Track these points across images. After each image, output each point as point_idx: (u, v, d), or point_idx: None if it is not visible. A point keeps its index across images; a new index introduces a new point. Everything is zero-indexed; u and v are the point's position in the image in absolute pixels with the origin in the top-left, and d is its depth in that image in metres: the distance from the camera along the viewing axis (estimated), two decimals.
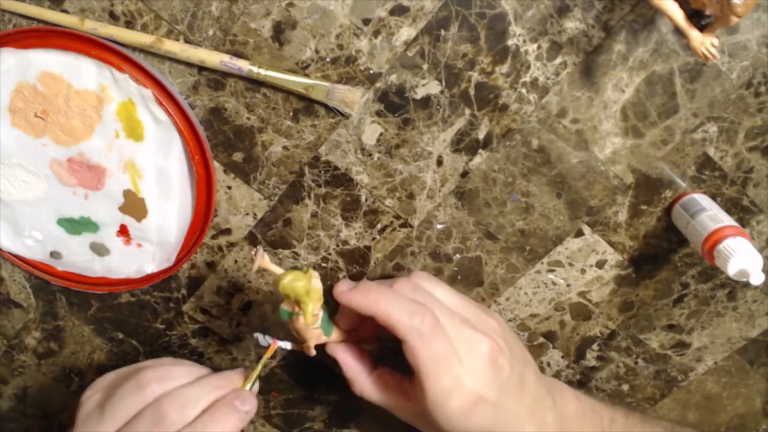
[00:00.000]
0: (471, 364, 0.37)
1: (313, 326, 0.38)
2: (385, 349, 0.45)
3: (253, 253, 0.36)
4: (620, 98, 0.39)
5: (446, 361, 0.36)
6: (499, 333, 0.40)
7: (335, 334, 0.41)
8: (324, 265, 0.45)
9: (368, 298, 0.37)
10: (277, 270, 0.36)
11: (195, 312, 0.47)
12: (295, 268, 0.45)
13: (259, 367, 0.39)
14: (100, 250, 0.43)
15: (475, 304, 0.42)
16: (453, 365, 0.36)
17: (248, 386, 0.38)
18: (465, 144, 0.41)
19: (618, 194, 0.42)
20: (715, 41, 0.33)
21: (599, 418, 0.43)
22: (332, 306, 0.40)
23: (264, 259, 0.36)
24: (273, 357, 0.47)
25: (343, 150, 0.41)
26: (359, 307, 0.37)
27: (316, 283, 0.36)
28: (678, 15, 0.33)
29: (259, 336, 0.40)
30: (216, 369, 0.50)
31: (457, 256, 0.44)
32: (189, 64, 0.39)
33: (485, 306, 0.46)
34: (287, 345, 0.40)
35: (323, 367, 0.48)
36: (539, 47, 0.38)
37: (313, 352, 0.40)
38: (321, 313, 0.38)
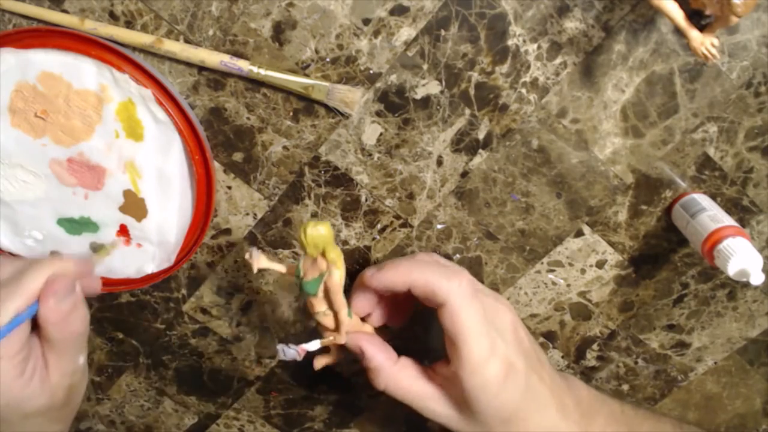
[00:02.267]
0: (500, 331, 0.37)
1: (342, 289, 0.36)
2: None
3: (247, 256, 0.35)
4: (620, 98, 0.39)
5: (485, 325, 0.36)
6: (512, 309, 0.40)
7: (355, 321, 0.39)
8: None
9: (400, 270, 0.37)
10: (278, 267, 0.35)
11: (195, 312, 0.47)
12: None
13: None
14: (100, 250, 0.43)
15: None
16: (490, 329, 0.36)
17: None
18: (465, 144, 0.41)
19: (618, 194, 0.42)
20: (715, 41, 0.33)
21: (610, 406, 0.43)
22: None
23: (261, 259, 0.35)
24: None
25: (343, 150, 0.41)
26: (394, 282, 0.37)
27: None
28: (678, 15, 0.33)
29: (282, 348, 0.37)
30: (216, 371, 0.50)
31: (457, 256, 0.44)
32: (189, 64, 0.39)
33: None
34: (315, 344, 0.38)
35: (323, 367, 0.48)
36: (539, 47, 0.38)
37: (344, 339, 0.38)
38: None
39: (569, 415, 0.39)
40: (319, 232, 0.33)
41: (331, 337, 0.38)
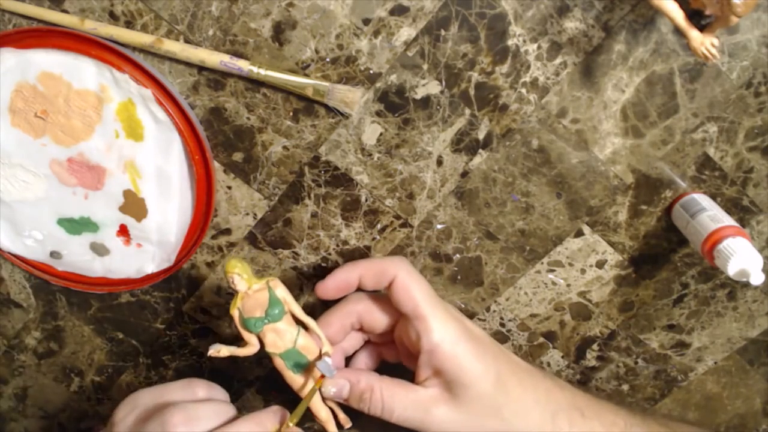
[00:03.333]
0: (450, 308, 0.39)
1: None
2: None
3: (212, 352, 0.37)
4: (620, 98, 0.39)
5: (435, 296, 0.39)
6: None
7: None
8: (324, 265, 0.45)
9: (346, 267, 0.39)
10: (243, 350, 0.37)
11: (195, 312, 0.47)
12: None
13: (304, 406, 0.36)
14: (100, 250, 0.43)
15: None
16: (441, 302, 0.39)
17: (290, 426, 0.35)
18: (465, 144, 0.41)
19: (618, 194, 0.42)
20: (715, 41, 0.33)
21: (597, 400, 0.43)
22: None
23: (223, 349, 0.37)
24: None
25: (343, 150, 0.41)
26: (347, 279, 0.39)
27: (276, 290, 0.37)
28: (678, 15, 0.33)
29: (321, 365, 0.37)
30: (216, 371, 0.50)
31: (457, 256, 0.44)
32: (189, 64, 0.39)
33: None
34: (326, 363, 0.37)
35: None
36: (539, 47, 0.38)
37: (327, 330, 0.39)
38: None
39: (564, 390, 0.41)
40: (235, 261, 0.36)
41: (327, 349, 0.38)
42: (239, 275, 0.36)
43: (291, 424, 0.36)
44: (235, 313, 0.37)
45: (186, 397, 0.38)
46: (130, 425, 0.36)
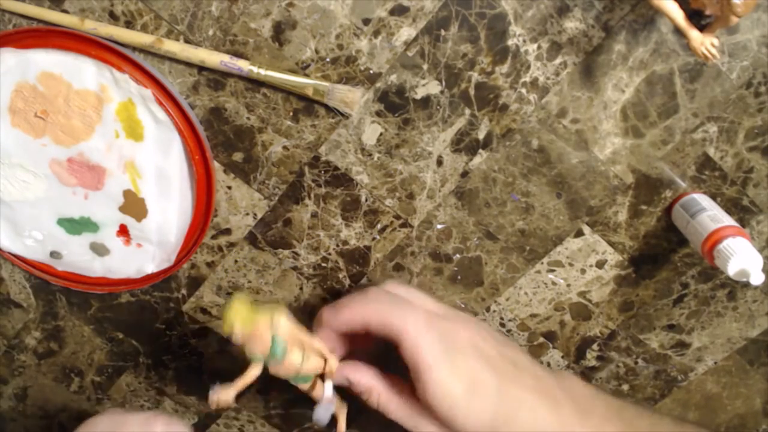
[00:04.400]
0: (460, 351, 0.38)
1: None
2: None
3: (213, 397, 0.35)
4: (620, 98, 0.39)
5: (443, 352, 0.37)
6: (474, 322, 0.41)
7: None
8: (324, 265, 0.45)
9: (354, 310, 0.37)
10: (243, 382, 0.36)
11: (195, 312, 0.47)
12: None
13: None
14: (100, 250, 0.43)
15: (446, 305, 0.43)
16: (449, 353, 0.37)
17: None
18: (465, 144, 0.41)
19: (618, 194, 0.42)
20: (715, 41, 0.33)
21: (607, 402, 0.43)
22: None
23: (225, 392, 0.35)
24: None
25: (343, 150, 0.41)
26: (350, 322, 0.37)
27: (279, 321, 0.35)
28: (678, 15, 0.33)
29: (318, 414, 0.37)
30: (216, 371, 0.50)
31: (457, 256, 0.44)
32: (189, 64, 0.39)
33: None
34: (329, 388, 0.38)
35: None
36: (539, 47, 0.38)
37: (334, 360, 0.39)
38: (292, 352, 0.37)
39: (563, 413, 0.39)
40: (233, 308, 0.34)
41: (328, 381, 0.38)
42: (238, 331, 0.34)
43: None
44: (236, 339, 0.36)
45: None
46: None
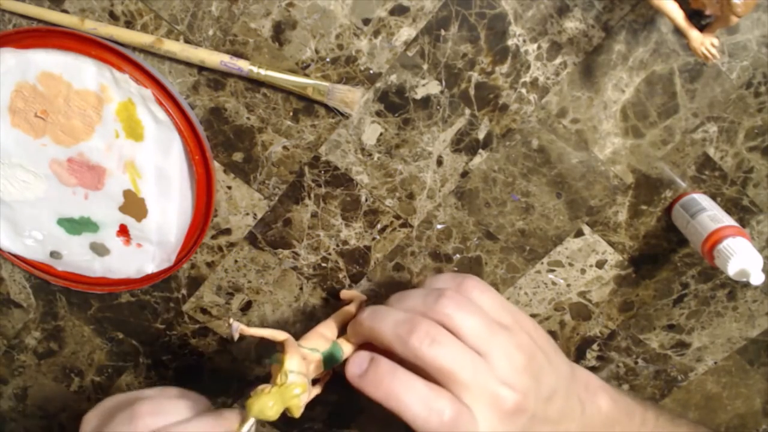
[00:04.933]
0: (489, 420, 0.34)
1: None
2: None
3: (227, 325, 0.35)
4: (620, 98, 0.39)
5: None
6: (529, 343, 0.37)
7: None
8: (324, 265, 0.45)
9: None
10: (259, 332, 0.35)
11: (195, 312, 0.47)
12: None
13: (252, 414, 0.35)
14: (100, 250, 0.43)
15: (513, 307, 0.39)
16: None
17: (244, 429, 0.35)
18: (465, 144, 0.41)
19: (618, 194, 0.42)
20: (715, 41, 0.33)
21: (630, 420, 0.42)
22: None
23: (242, 329, 0.35)
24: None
25: (343, 150, 0.41)
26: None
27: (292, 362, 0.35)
28: (678, 15, 0.33)
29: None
30: (216, 371, 0.50)
31: (457, 256, 0.44)
32: (189, 64, 0.39)
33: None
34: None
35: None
36: (539, 47, 0.38)
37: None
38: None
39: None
40: (264, 404, 0.34)
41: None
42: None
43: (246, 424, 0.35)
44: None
45: (158, 394, 0.37)
46: (95, 427, 0.36)
